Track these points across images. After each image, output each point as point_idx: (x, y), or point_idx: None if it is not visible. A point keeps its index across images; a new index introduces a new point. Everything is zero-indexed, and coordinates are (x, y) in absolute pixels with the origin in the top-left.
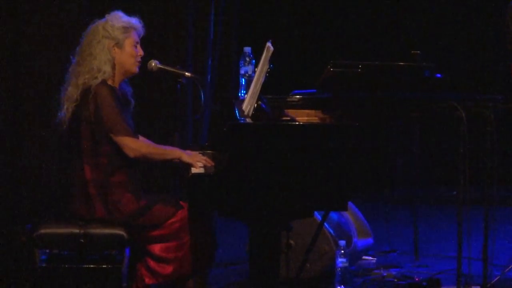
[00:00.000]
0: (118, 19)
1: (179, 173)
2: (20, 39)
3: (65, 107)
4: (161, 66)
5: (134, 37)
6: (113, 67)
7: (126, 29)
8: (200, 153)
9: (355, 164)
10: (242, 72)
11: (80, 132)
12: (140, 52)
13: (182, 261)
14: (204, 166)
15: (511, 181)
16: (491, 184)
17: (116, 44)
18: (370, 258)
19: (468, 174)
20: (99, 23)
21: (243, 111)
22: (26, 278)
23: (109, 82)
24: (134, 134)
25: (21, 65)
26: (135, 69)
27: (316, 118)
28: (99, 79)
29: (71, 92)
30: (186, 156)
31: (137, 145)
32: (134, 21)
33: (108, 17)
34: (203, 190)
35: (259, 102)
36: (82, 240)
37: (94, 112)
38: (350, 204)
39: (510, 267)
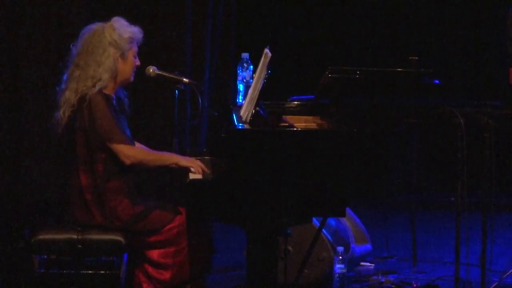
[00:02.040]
0: (125, 28)
1: (177, 178)
2: (20, 43)
3: (62, 109)
4: (159, 72)
5: (135, 48)
6: (112, 75)
7: (132, 39)
8: (198, 159)
9: (353, 170)
10: (240, 78)
11: (75, 139)
12: (138, 62)
13: (180, 267)
14: (203, 172)
15: (509, 187)
16: (489, 190)
17: (121, 55)
18: (368, 264)
19: (466, 180)
20: (105, 28)
21: (241, 117)
22: (24, 284)
23: (105, 90)
24: (130, 141)
25: (21, 69)
26: (131, 79)
27: (314, 124)
28: (97, 88)
29: (69, 96)
30: (184, 160)
31: (133, 152)
32: (137, 31)
33: (115, 24)
34: (202, 196)
35: (257, 108)
36: (80, 246)
37: (89, 120)
38: (348, 210)
39: (508, 273)
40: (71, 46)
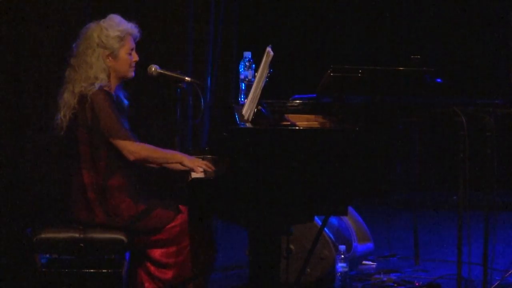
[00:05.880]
0: (114, 27)
1: (178, 177)
2: (21, 42)
3: (62, 112)
4: (161, 71)
5: (129, 44)
6: (109, 74)
7: (121, 38)
8: (200, 157)
9: (355, 168)
10: (242, 76)
11: (77, 137)
12: (135, 58)
13: (182, 266)
14: (204, 171)
15: (511, 186)
16: (491, 189)
17: (110, 54)
18: (370, 263)
19: (468, 179)
20: (94, 30)
21: (243, 116)
22: (26, 282)
23: (105, 88)
24: (134, 137)
25: (22, 68)
26: (131, 74)
27: (316, 122)
28: (96, 87)
29: (68, 99)
30: (188, 160)
31: (137, 148)
32: (130, 26)
33: (104, 23)
34: (203, 195)
35: (259, 107)
36: (82, 245)
37: (92, 119)
38: (350, 208)
39: (510, 272)
40: (73, 46)
